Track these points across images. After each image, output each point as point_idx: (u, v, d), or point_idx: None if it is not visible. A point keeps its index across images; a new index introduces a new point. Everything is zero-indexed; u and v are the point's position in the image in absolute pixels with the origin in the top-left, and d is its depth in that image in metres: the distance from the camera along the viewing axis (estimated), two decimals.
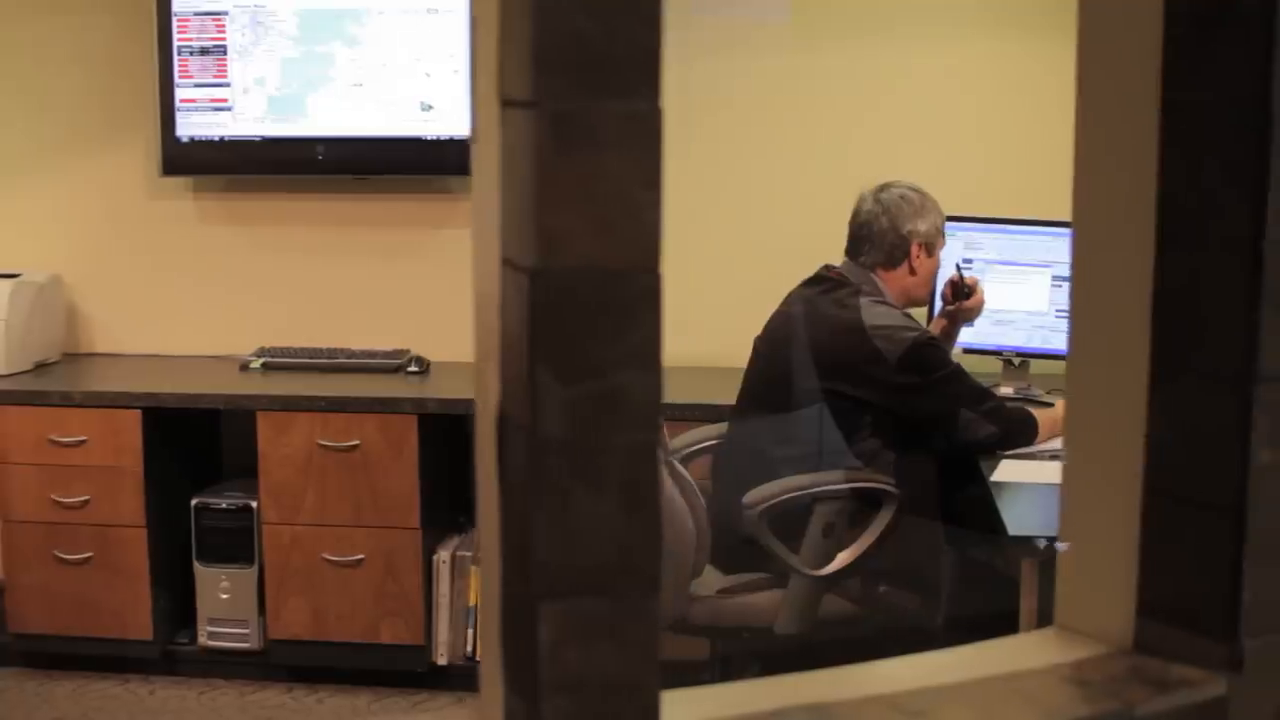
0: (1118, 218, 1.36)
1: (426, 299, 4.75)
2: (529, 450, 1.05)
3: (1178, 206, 1.31)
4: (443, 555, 4.39)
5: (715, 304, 4.38)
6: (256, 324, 4.81)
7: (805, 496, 3.41)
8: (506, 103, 1.05)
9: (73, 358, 4.86)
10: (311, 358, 4.65)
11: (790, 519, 3.41)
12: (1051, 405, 3.79)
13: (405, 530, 4.30)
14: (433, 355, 4.66)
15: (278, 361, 4.65)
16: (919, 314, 3.84)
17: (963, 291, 3.79)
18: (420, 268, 4.76)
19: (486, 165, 1.08)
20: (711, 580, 3.56)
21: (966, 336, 3.99)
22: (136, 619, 4.40)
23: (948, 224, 3.86)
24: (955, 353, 3.88)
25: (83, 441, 4.33)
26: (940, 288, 3.81)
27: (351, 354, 4.67)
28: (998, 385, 4.06)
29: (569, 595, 1.06)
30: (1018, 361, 4.13)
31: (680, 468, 3.45)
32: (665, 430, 3.46)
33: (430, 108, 4.52)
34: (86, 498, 4.35)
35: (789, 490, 3.40)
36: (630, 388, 1.07)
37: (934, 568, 3.68)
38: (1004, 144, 4.44)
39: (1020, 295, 4.08)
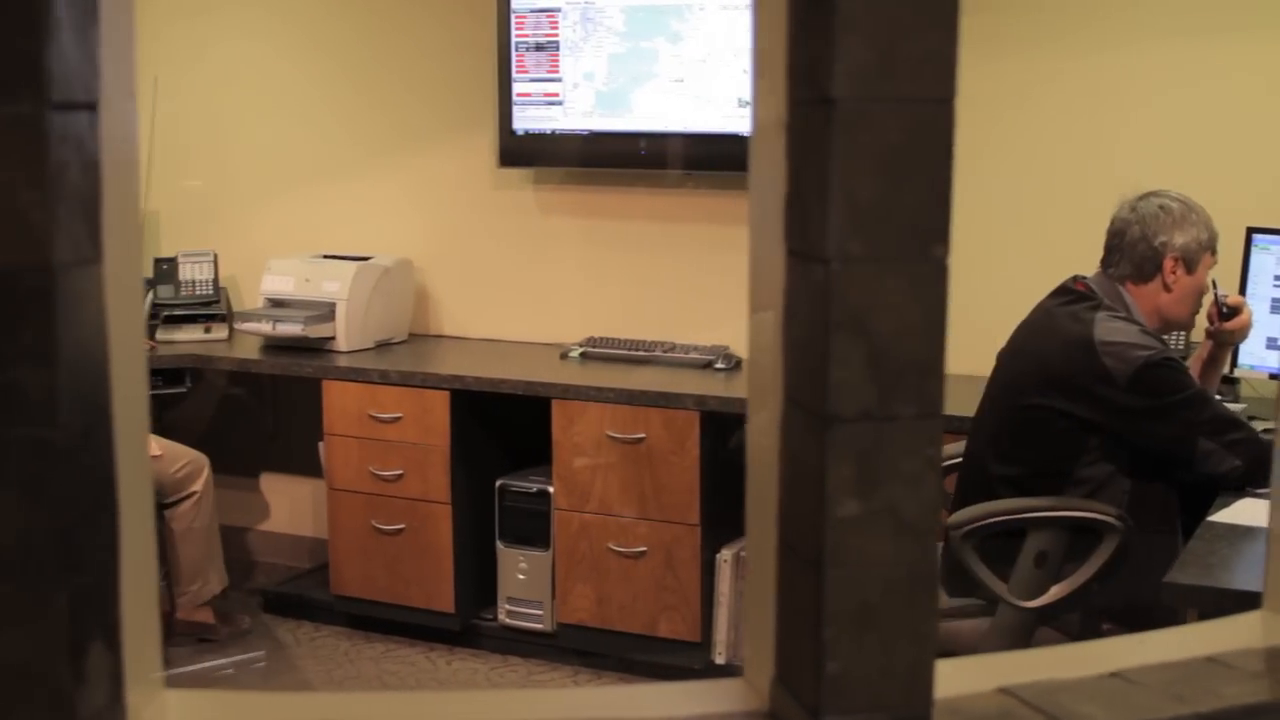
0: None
1: (745, 296, 4.71)
2: None
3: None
4: (725, 554, 4.36)
5: (1000, 309, 4.14)
6: (587, 314, 4.93)
7: (1016, 522, 3.18)
8: None
9: (420, 338, 5.13)
10: (630, 350, 4.72)
11: (1003, 544, 3.19)
12: None
13: (686, 526, 4.31)
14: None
15: (596, 352, 4.74)
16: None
17: (1225, 312, 3.42)
18: (741, 264, 4.72)
19: None
20: None
21: (1249, 358, 3.61)
22: (440, 592, 4.62)
23: (1258, 235, 3.51)
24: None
25: (398, 418, 4.57)
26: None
27: (671, 348, 4.70)
28: None
29: None
30: None
31: None
32: None
33: (747, 104, 4.47)
34: (400, 472, 4.59)
35: (994, 514, 3.18)
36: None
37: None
38: None
39: None
